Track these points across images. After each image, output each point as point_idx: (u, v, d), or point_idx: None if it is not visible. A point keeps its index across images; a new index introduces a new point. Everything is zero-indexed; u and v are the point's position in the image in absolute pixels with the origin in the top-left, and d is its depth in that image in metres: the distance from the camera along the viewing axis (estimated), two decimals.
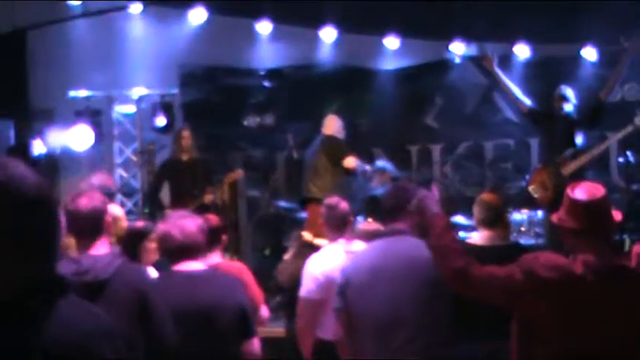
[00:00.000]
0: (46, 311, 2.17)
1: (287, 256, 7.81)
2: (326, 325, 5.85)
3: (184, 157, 10.75)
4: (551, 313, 4.04)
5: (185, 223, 4.94)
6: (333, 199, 6.32)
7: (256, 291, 6.43)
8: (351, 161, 10.08)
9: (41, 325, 2.15)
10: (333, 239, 6.17)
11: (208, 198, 10.46)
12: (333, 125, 10.49)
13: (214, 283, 4.97)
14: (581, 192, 4.12)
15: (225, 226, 6.69)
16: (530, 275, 4.06)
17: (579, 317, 4.00)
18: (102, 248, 4.57)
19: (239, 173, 10.96)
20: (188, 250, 4.94)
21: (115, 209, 7.10)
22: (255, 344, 5.12)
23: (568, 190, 4.17)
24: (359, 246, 5.98)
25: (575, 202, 4.11)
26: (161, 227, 5.01)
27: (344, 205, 6.24)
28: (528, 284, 4.06)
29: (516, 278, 4.10)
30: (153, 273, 5.13)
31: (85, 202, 4.56)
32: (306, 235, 7.97)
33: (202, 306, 4.81)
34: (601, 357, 4.01)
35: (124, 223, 6.96)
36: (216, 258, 6.37)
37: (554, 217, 4.22)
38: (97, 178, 8.40)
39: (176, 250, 4.94)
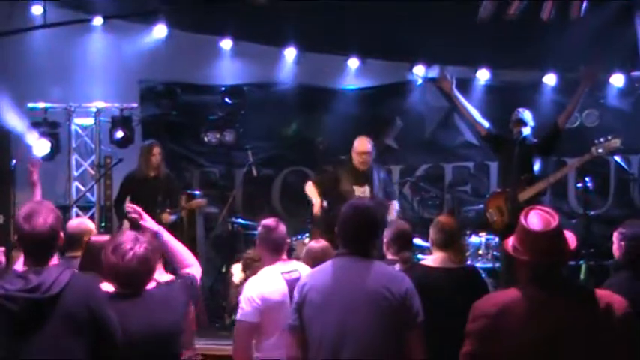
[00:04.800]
0: None
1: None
2: (262, 347, 5.91)
3: (151, 174, 10.64)
4: (505, 347, 4.00)
5: (131, 252, 4.70)
6: (270, 221, 6.29)
7: None
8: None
9: None
10: (270, 261, 6.15)
11: (166, 218, 10.38)
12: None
13: (164, 301, 4.86)
14: (534, 221, 4.06)
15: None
16: (482, 316, 4.04)
17: (531, 349, 3.95)
18: (52, 260, 4.46)
19: (203, 202, 10.91)
20: (138, 280, 4.77)
21: (88, 223, 7.06)
22: None
23: (521, 218, 4.10)
24: (296, 266, 6.07)
25: (528, 232, 4.05)
26: (108, 257, 4.72)
27: (282, 227, 6.23)
28: (483, 324, 4.03)
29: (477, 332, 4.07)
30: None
31: (42, 222, 4.42)
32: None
33: (157, 327, 4.73)
34: None
35: None
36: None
37: (508, 245, 4.17)
38: None
39: (126, 282, 4.74)
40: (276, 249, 6.15)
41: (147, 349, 4.65)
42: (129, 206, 5.47)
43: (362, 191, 9.60)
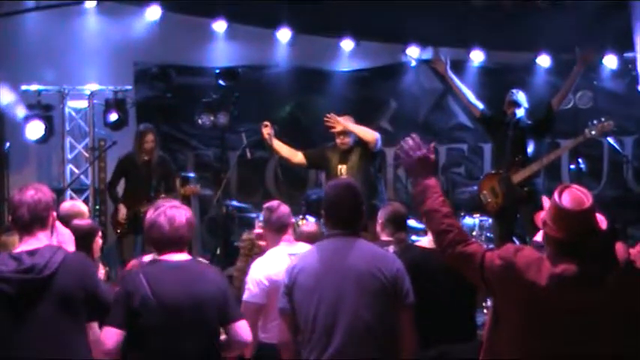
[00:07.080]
0: None
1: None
2: (268, 328, 5.90)
3: (145, 158, 10.61)
4: (517, 312, 3.99)
5: (175, 214, 4.80)
6: (272, 202, 6.34)
7: None
8: None
9: None
10: (274, 242, 6.17)
11: None
12: None
13: (200, 273, 4.87)
14: (568, 199, 3.98)
15: None
16: (505, 259, 4.02)
17: (545, 323, 3.93)
18: (44, 241, 4.46)
19: (197, 189, 10.90)
20: (176, 242, 4.80)
21: (81, 205, 7.04)
22: (242, 327, 4.94)
23: (555, 195, 4.02)
24: (302, 248, 5.99)
25: (561, 210, 3.97)
26: (150, 216, 4.82)
27: (284, 207, 6.25)
28: (504, 272, 4.01)
29: (495, 263, 4.05)
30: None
31: (32, 193, 4.49)
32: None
33: (194, 296, 4.72)
34: None
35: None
36: None
37: (539, 220, 4.11)
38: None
39: (164, 241, 4.79)
40: (279, 229, 6.17)
41: (184, 316, 4.67)
42: None
43: (342, 169, 9.55)
